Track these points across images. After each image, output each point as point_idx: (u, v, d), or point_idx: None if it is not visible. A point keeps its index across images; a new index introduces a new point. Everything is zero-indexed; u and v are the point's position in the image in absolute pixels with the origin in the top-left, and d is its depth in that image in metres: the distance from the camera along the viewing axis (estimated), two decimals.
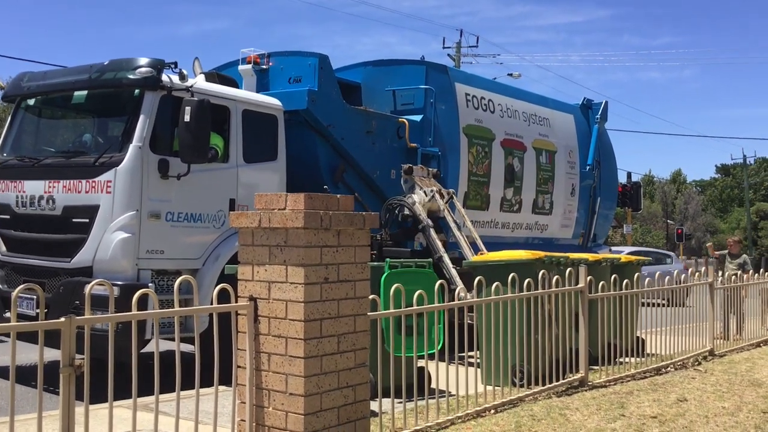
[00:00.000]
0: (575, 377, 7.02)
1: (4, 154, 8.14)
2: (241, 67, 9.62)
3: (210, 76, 8.82)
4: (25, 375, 7.26)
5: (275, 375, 4.23)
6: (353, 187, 9.46)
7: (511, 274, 6.36)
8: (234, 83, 8.94)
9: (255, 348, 4.32)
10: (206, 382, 4.28)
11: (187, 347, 5.71)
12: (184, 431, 4.14)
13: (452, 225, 9.20)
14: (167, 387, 4.12)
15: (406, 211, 9.06)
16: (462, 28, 66.66)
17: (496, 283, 6.19)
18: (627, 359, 7.90)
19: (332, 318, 4.30)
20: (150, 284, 6.95)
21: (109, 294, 6.61)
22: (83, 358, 3.57)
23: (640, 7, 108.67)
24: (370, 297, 4.68)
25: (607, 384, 7.21)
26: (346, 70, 11.15)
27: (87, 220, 7.05)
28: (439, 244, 8.82)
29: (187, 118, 6.94)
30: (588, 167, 13.21)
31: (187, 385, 4.20)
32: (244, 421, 4.33)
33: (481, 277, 6.17)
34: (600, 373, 7.41)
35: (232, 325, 4.33)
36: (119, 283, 6.77)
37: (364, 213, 4.57)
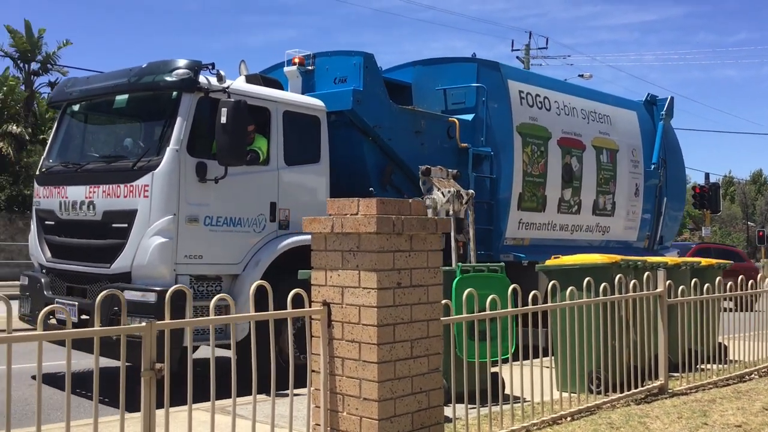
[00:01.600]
0: (654, 384, 6.81)
1: (50, 161, 8.18)
2: (286, 69, 9.47)
3: (253, 78, 8.70)
4: (58, 382, 7.21)
5: (349, 379, 4.25)
6: (402, 189, 9.18)
7: (587, 278, 6.17)
8: (278, 85, 8.78)
9: (329, 352, 4.34)
10: (243, 390, 4.29)
11: (222, 352, 5.53)
12: None
13: (470, 227, 8.86)
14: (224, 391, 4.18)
15: (429, 213, 8.72)
16: (531, 30, 65.75)
17: (570, 288, 6.00)
18: (708, 366, 7.67)
19: (405, 323, 4.30)
20: (189, 290, 6.79)
21: (147, 300, 6.64)
22: (163, 363, 3.64)
23: (715, 4, 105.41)
24: (443, 302, 4.65)
25: (688, 392, 6.96)
26: (395, 70, 10.91)
27: (125, 225, 6.97)
28: (453, 245, 8.50)
29: (223, 119, 6.78)
30: (653, 166, 12.57)
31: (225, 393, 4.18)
32: (319, 425, 4.36)
33: (555, 282, 6.00)
34: (680, 381, 7.17)
35: (306, 330, 4.37)
36: (156, 288, 6.66)
37: (436, 218, 4.53)
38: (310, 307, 4.37)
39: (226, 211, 7.21)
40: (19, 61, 26.66)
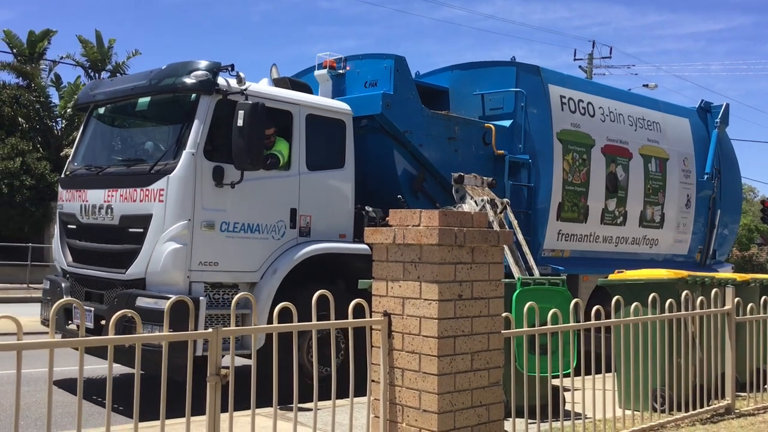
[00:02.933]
0: (721, 404, 6.65)
1: (75, 164, 8.11)
2: (317, 72, 9.24)
3: (281, 82, 8.51)
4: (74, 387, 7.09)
5: (408, 391, 4.28)
6: (434, 196, 8.85)
7: (652, 294, 6.05)
8: (307, 88, 8.57)
9: (389, 363, 4.37)
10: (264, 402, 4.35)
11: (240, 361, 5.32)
12: None
13: (518, 235, 8.41)
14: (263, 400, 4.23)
15: None
16: (594, 39, 64.23)
17: (635, 303, 5.86)
18: None
19: (466, 335, 4.32)
20: (202, 297, 6.60)
21: (159, 308, 6.45)
22: (228, 368, 3.70)
23: None
24: (503, 315, 4.65)
25: (756, 412, 6.76)
26: (433, 75, 10.61)
27: (141, 230, 6.82)
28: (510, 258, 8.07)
29: (240, 122, 6.57)
30: (706, 176, 11.90)
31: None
32: None
33: (619, 297, 5.81)
34: (748, 401, 7.00)
35: (367, 340, 4.38)
36: (169, 296, 6.45)
37: (498, 230, 4.59)
38: (370, 317, 4.40)
39: (244, 217, 6.99)
40: (90, 71, 27.27)
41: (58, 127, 26.23)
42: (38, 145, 24.86)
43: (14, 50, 26.57)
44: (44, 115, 25.82)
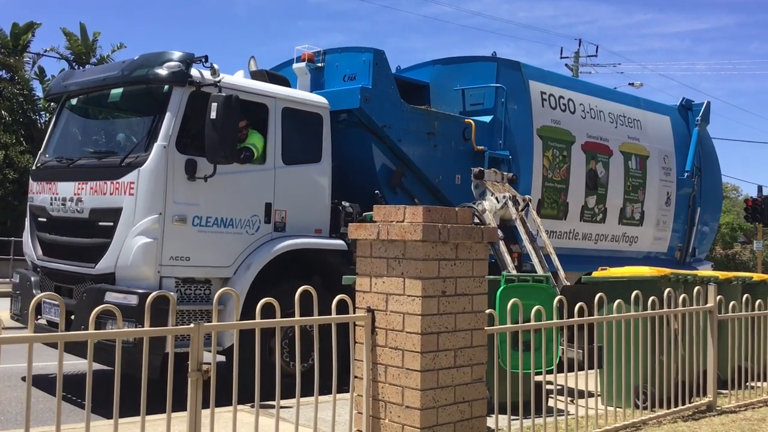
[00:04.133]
0: (703, 401, 6.67)
1: (46, 156, 7.95)
2: (295, 65, 9.14)
3: (259, 74, 8.39)
4: (50, 384, 6.97)
5: (392, 387, 4.28)
6: (413, 192, 8.77)
7: (635, 291, 6.05)
8: (285, 81, 8.45)
9: (372, 359, 4.36)
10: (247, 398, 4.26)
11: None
12: None
13: (524, 236, 8.27)
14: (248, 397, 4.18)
15: (476, 220, 8.16)
16: (580, 38, 64.27)
17: (618, 301, 5.88)
18: (759, 384, 7.51)
19: (449, 332, 4.31)
20: (173, 293, 6.48)
21: (128, 303, 6.33)
22: (209, 364, 3.70)
23: None
24: (487, 311, 4.64)
25: (737, 409, 6.79)
26: (414, 70, 10.52)
27: (111, 224, 6.68)
28: (508, 258, 7.94)
29: (213, 114, 6.45)
30: (686, 174, 11.91)
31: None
32: (361, 431, 4.36)
33: (602, 294, 5.79)
34: (729, 398, 6.99)
35: (350, 336, 4.35)
36: (138, 291, 6.35)
37: (482, 227, 4.54)
38: (354, 313, 4.36)
39: (217, 212, 6.87)
40: (74, 64, 26.91)
41: (42, 120, 25.91)
42: (21, 139, 24.57)
43: None
44: (28, 108, 25.52)
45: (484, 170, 8.49)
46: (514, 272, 7.78)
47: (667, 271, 7.01)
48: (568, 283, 8.13)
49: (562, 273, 8.22)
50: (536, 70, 10.14)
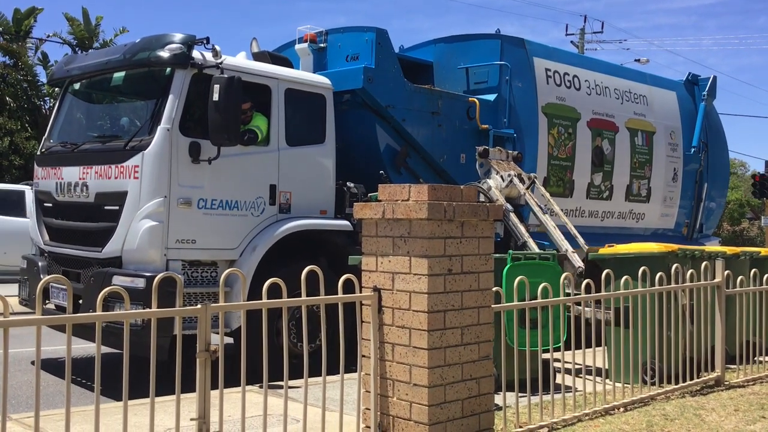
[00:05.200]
0: (711, 376, 6.70)
1: (51, 141, 7.95)
2: (297, 46, 9.08)
3: (261, 56, 8.35)
4: (59, 368, 7.02)
5: (399, 365, 4.28)
6: (418, 172, 8.75)
7: (642, 267, 6.08)
8: (287, 63, 8.41)
9: (379, 338, 4.36)
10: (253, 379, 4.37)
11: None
12: (311, 416, 4.23)
13: (536, 210, 8.17)
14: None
15: (482, 198, 8.12)
16: (586, 14, 63.75)
17: (625, 277, 5.89)
18: (767, 358, 7.49)
19: (456, 310, 4.30)
20: (180, 275, 6.49)
21: (136, 286, 6.35)
22: (217, 345, 3.70)
23: None
24: (494, 289, 4.63)
25: (745, 384, 6.83)
26: (417, 49, 10.45)
27: (117, 208, 6.69)
28: (522, 228, 7.89)
29: (216, 96, 6.42)
30: (693, 150, 11.83)
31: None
32: (369, 409, 4.38)
33: (609, 270, 5.79)
34: (737, 373, 7.05)
35: (357, 316, 4.36)
36: (146, 274, 6.37)
37: (488, 204, 4.50)
38: (360, 292, 4.37)
39: (222, 194, 6.87)
40: (77, 48, 26.85)
41: (47, 106, 25.92)
42: (26, 125, 24.58)
43: (0, 29, 26.17)
44: (32, 94, 25.51)
45: (489, 149, 8.44)
46: (531, 242, 7.78)
47: (674, 246, 7.00)
48: (586, 249, 7.98)
49: (581, 240, 8.08)
50: (541, 47, 10.05)
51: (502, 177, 8.17)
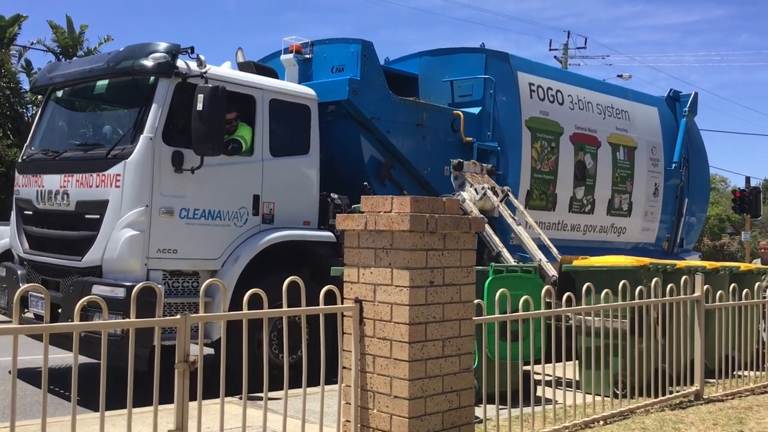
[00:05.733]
0: (690, 390, 6.73)
1: (32, 148, 7.89)
2: (282, 57, 9.09)
3: (246, 66, 8.34)
4: (36, 377, 6.94)
5: (380, 377, 4.29)
6: (401, 183, 8.77)
7: (622, 281, 6.11)
8: (272, 73, 8.40)
9: (360, 350, 4.36)
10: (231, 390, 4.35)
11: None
12: (290, 429, 4.21)
13: (511, 222, 8.26)
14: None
15: None
16: (569, 30, 64.65)
17: (606, 291, 5.96)
18: (746, 373, 7.58)
19: (437, 322, 4.31)
20: (160, 285, 6.45)
21: (115, 296, 6.30)
22: (196, 356, 3.67)
23: (759, 5, 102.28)
24: (475, 301, 4.65)
25: (725, 398, 6.90)
26: (402, 61, 10.49)
27: (97, 217, 6.63)
28: (497, 239, 7.97)
29: (199, 106, 6.41)
30: (674, 165, 11.96)
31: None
32: (349, 422, 4.38)
33: (590, 284, 5.83)
34: (717, 387, 7.11)
35: (338, 327, 4.34)
36: (125, 284, 6.31)
37: (470, 216, 4.50)
38: (342, 303, 4.38)
39: (205, 204, 6.83)
40: (61, 56, 26.63)
41: (29, 114, 25.68)
42: (8, 132, 24.36)
43: None
44: (14, 102, 25.27)
45: (463, 162, 8.53)
46: (506, 253, 7.83)
47: (646, 260, 7.07)
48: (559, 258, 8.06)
49: (555, 251, 8.17)
50: (525, 62, 10.13)
51: (476, 189, 8.26)
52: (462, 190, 8.34)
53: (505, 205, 8.38)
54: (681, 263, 7.89)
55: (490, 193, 8.21)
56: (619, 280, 6.15)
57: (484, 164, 8.74)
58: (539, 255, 7.88)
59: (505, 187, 8.56)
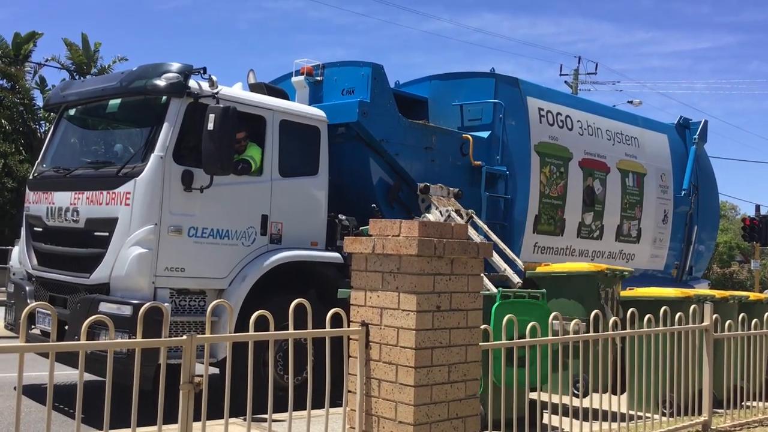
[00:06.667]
0: (698, 420, 6.59)
1: (44, 165, 7.95)
2: (294, 79, 9.16)
3: (257, 87, 8.40)
4: (42, 394, 6.93)
5: (385, 402, 4.26)
6: (411, 206, 8.77)
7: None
8: (283, 95, 8.46)
9: (366, 374, 4.35)
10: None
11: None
12: None
13: (475, 237, 8.34)
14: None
15: None
16: (580, 55, 64.88)
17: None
18: (754, 403, 7.45)
19: (443, 347, 4.29)
20: (167, 304, 6.45)
21: (122, 314, 6.31)
22: (202, 376, 3.68)
23: None
24: (482, 327, 4.63)
25: (733, 429, 6.79)
26: (412, 85, 10.57)
27: (106, 234, 6.66)
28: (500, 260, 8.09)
29: (210, 126, 6.45)
30: (683, 192, 11.94)
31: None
32: None
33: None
34: (725, 418, 6.97)
35: (344, 350, 4.33)
36: (133, 302, 6.32)
37: (478, 242, 4.49)
38: (348, 326, 4.36)
39: (213, 223, 6.86)
40: (75, 74, 26.95)
41: (42, 130, 25.96)
42: (21, 148, 24.60)
43: None
44: (28, 118, 25.58)
45: (430, 186, 8.64)
46: (509, 271, 7.97)
47: (603, 266, 7.21)
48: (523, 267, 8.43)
49: (520, 263, 8.43)
50: (534, 87, 10.17)
51: (440, 212, 8.36)
52: (428, 213, 8.48)
53: (470, 226, 8.45)
54: (707, 291, 8.05)
55: (454, 214, 8.33)
56: (578, 284, 6.44)
57: (451, 188, 8.79)
58: (504, 266, 8.19)
59: (470, 210, 8.63)
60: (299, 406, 4.31)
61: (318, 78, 9.10)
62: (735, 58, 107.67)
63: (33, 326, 7.36)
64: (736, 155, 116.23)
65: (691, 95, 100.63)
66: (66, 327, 6.85)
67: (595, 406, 6.17)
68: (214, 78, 6.83)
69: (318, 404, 4.54)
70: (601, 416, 5.93)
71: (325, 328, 4.25)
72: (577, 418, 5.57)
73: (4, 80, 25.65)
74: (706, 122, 12.54)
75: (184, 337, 3.68)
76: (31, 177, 8.14)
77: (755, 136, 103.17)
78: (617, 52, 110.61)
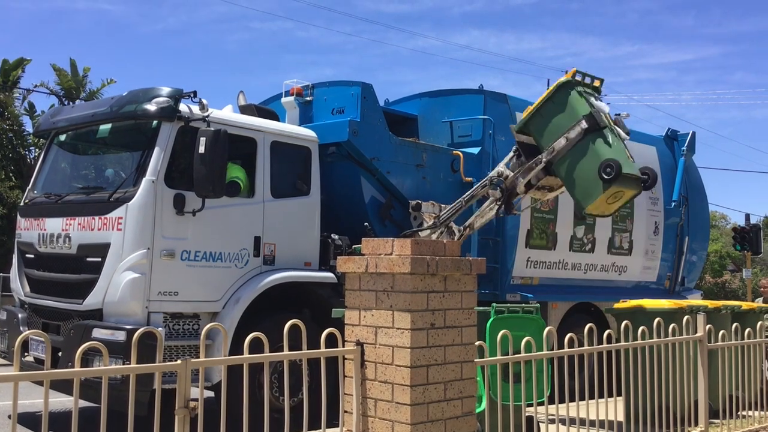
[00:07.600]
0: (694, 431, 6.65)
1: (35, 192, 7.94)
2: (283, 100, 9.20)
3: (247, 108, 8.44)
4: (36, 421, 6.89)
5: (381, 421, 4.25)
6: (402, 224, 8.78)
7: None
8: (273, 116, 8.51)
9: (362, 393, 4.34)
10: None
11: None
12: None
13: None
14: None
15: None
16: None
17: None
18: (750, 413, 7.53)
19: (439, 364, 4.30)
20: (161, 328, 6.44)
21: (116, 339, 6.28)
22: (197, 400, 3.63)
23: (753, 44, 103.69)
24: (477, 343, 4.63)
25: None
26: (402, 103, 10.62)
27: (99, 259, 6.65)
28: None
29: (201, 149, 6.47)
30: (673, 203, 11.98)
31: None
32: None
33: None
34: (721, 428, 6.96)
35: (339, 370, 4.33)
36: (126, 327, 6.31)
37: (471, 258, 4.55)
38: (343, 346, 4.38)
39: (206, 246, 6.86)
40: (64, 99, 26.93)
41: (31, 156, 25.87)
42: (11, 174, 24.50)
43: None
44: (17, 144, 25.47)
45: (422, 203, 8.66)
46: None
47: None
48: None
49: None
50: (523, 102, 10.19)
51: (430, 229, 8.34)
52: (421, 229, 8.46)
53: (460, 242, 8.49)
54: (699, 302, 8.07)
55: (445, 231, 8.31)
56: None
57: (443, 205, 8.81)
58: None
59: (461, 227, 8.63)
60: (296, 427, 4.29)
61: (308, 98, 9.14)
62: (719, 69, 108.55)
63: (26, 353, 7.32)
64: (724, 165, 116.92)
65: (678, 106, 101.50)
66: (60, 354, 6.82)
67: (592, 417, 6.20)
68: (204, 101, 6.86)
69: (314, 425, 4.53)
70: (598, 427, 5.95)
71: (320, 348, 4.25)
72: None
73: None
74: (693, 134, 12.62)
75: (179, 361, 3.67)
76: (22, 203, 8.13)
77: (743, 146, 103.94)
78: (604, 66, 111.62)
